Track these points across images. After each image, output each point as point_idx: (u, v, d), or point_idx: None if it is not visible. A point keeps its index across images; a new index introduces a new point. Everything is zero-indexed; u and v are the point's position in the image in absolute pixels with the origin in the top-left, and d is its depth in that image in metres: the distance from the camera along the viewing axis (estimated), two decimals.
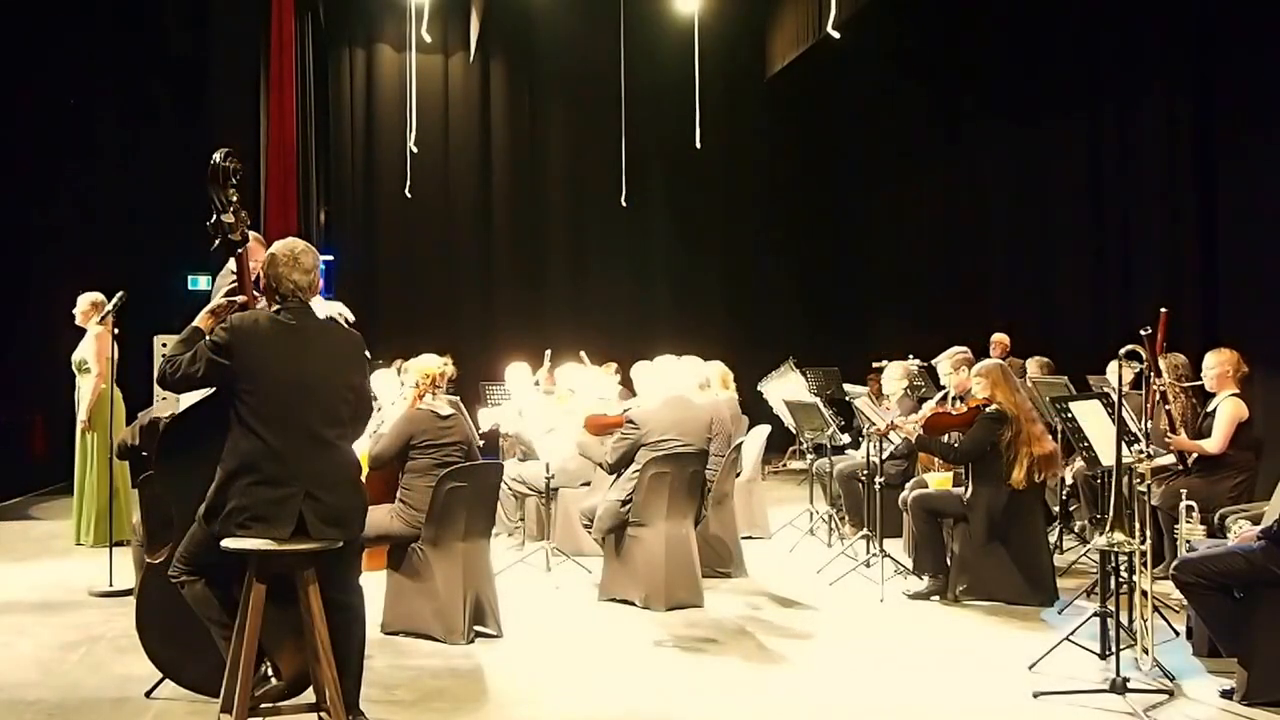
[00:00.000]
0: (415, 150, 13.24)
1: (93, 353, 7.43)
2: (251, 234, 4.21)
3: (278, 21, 11.53)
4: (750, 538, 7.99)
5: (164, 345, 7.97)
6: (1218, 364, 6.42)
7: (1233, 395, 6.36)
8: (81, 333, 7.61)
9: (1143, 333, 5.02)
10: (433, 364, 5.77)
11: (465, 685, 4.87)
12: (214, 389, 3.94)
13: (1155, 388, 6.44)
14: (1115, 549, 4.71)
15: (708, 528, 6.90)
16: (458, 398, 6.15)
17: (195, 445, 3.93)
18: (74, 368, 7.61)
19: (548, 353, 8.92)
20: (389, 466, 5.66)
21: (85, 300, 7.57)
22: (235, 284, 4.12)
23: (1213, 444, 6.31)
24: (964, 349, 7.54)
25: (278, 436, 3.75)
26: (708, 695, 4.79)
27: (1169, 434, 6.42)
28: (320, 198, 13.46)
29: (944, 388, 7.42)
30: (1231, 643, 4.75)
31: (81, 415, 7.54)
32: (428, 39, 12.55)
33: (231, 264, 4.20)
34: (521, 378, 8.33)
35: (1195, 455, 6.43)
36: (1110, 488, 4.79)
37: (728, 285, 15.05)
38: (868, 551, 7.03)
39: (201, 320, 4.00)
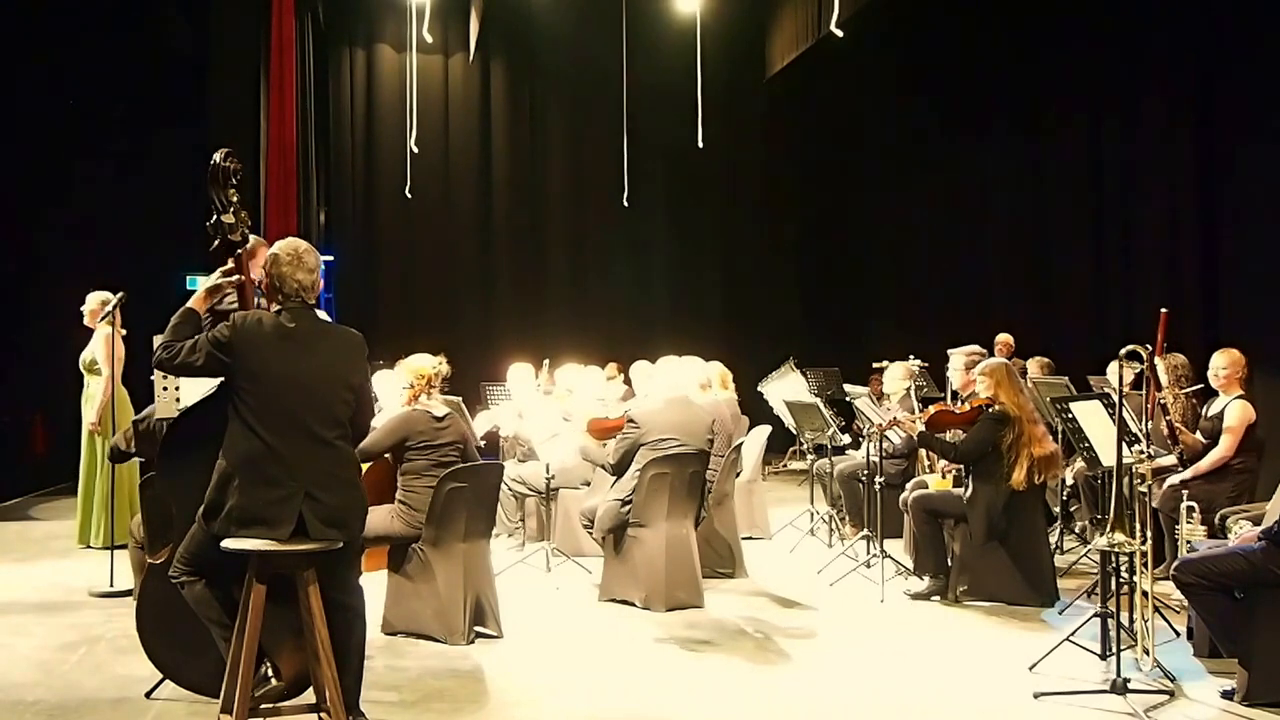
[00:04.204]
0: (415, 150, 13.23)
1: (103, 353, 7.37)
2: (254, 237, 4.19)
3: (278, 21, 11.52)
4: (750, 538, 7.99)
5: None
6: (1228, 364, 6.40)
7: (1240, 398, 6.36)
8: (85, 332, 7.58)
9: (1142, 352, 5.02)
10: (426, 364, 5.75)
11: (466, 686, 4.87)
12: (215, 388, 3.96)
13: (1156, 400, 6.43)
14: (1116, 549, 4.71)
15: (708, 528, 6.89)
16: (459, 398, 6.14)
17: (196, 445, 3.93)
18: (82, 368, 7.57)
19: (546, 362, 8.95)
20: (380, 464, 5.65)
21: (94, 300, 7.47)
22: (227, 273, 4.10)
23: (1223, 450, 6.29)
24: (979, 349, 7.54)
25: (278, 437, 3.75)
26: (708, 695, 4.79)
27: (1172, 444, 6.40)
28: (320, 198, 13.46)
29: (951, 386, 7.44)
30: (1232, 643, 4.75)
31: (93, 417, 7.47)
32: (428, 39, 12.55)
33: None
34: (523, 379, 8.33)
35: (1192, 455, 6.42)
36: (1111, 488, 4.79)
37: (728, 285, 15.06)
38: (868, 552, 7.03)
39: (195, 301, 3.99)
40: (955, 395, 7.43)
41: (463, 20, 14.02)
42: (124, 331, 7.38)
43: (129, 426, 5.77)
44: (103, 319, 7.16)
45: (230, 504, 3.72)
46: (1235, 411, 6.33)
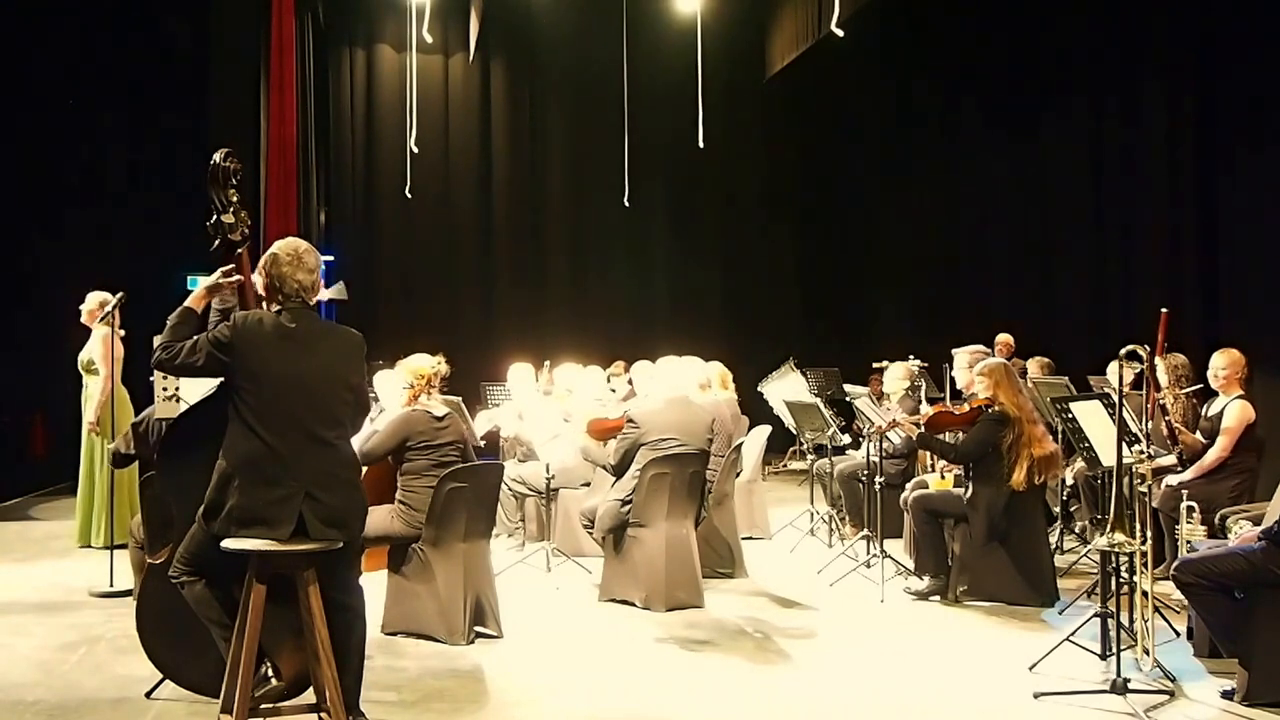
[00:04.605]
0: (415, 150, 13.23)
1: (100, 354, 7.39)
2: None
3: (278, 21, 11.53)
4: (750, 538, 7.99)
5: None
6: (1228, 365, 6.40)
7: (1240, 398, 6.36)
8: (86, 332, 7.59)
9: (1142, 352, 5.02)
10: (425, 364, 5.75)
11: (465, 686, 4.87)
12: (215, 388, 3.96)
13: (1156, 400, 6.43)
14: (1116, 550, 4.71)
15: (708, 528, 6.89)
16: (459, 398, 6.14)
17: (196, 446, 3.93)
18: (80, 368, 7.58)
19: (546, 363, 8.94)
20: (379, 464, 5.65)
21: (93, 300, 7.49)
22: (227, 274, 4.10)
23: (1218, 450, 6.29)
24: (984, 348, 7.55)
25: (278, 437, 3.75)
26: (708, 695, 4.79)
27: (1172, 444, 6.40)
28: (320, 198, 13.45)
29: (955, 386, 7.45)
30: (1232, 643, 4.75)
31: (90, 416, 7.48)
32: (428, 39, 12.54)
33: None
34: (523, 379, 8.32)
35: (1192, 455, 6.42)
36: (1111, 488, 4.79)
37: (728, 285, 15.06)
38: (868, 552, 7.03)
39: (193, 300, 3.99)
40: (960, 394, 7.43)
41: (463, 20, 14.01)
42: (123, 332, 7.38)
43: (129, 430, 5.78)
44: (102, 319, 7.17)
45: (230, 504, 3.72)
46: (1233, 412, 6.32)
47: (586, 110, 14.48)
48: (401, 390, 5.74)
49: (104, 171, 11.39)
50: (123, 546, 6.80)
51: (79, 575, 6.82)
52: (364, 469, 4.73)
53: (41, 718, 4.44)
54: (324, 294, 4.29)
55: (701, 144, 12.76)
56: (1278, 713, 4.45)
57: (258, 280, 4.01)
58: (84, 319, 7.54)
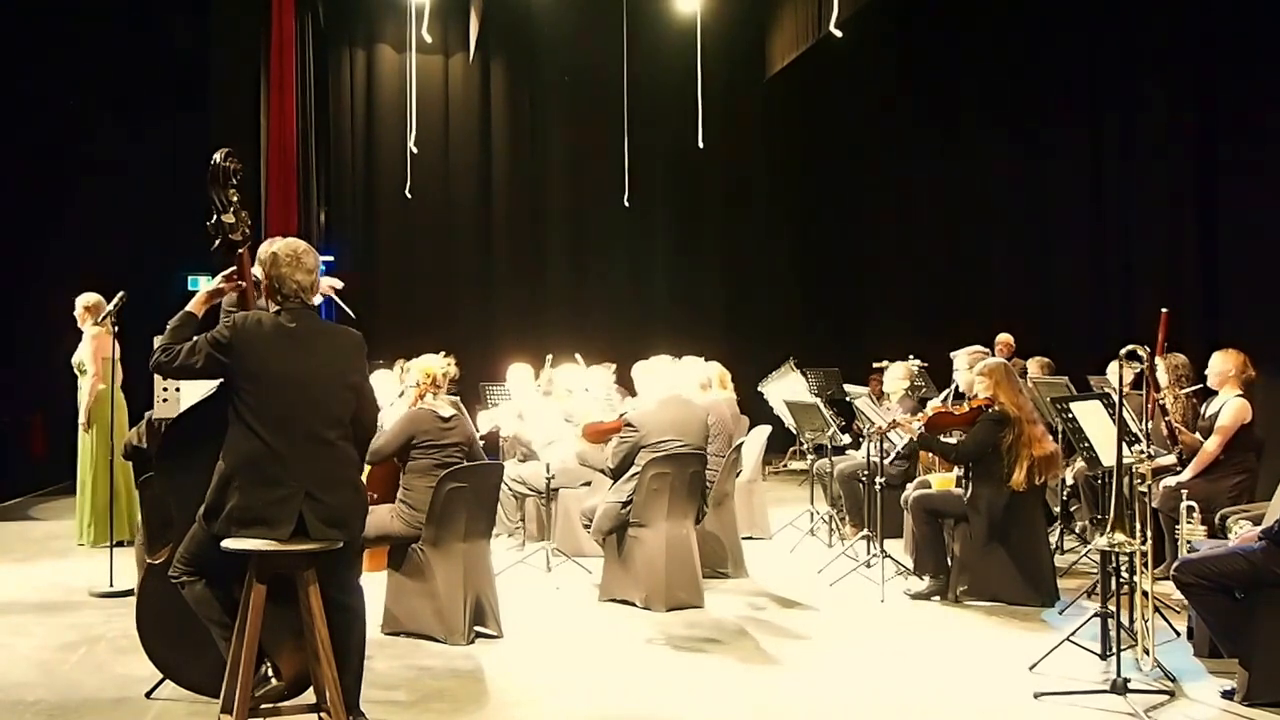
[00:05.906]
0: (415, 150, 13.23)
1: (89, 354, 7.44)
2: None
3: (278, 21, 11.53)
4: (750, 538, 7.99)
5: None
6: (1223, 364, 6.41)
7: (1238, 397, 6.35)
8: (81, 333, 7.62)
9: (1142, 352, 5.01)
10: (435, 364, 5.78)
11: (465, 686, 4.87)
12: (215, 388, 3.96)
13: (1155, 400, 6.44)
14: (1116, 549, 4.71)
15: (708, 527, 6.89)
16: (458, 398, 6.15)
17: (196, 445, 3.93)
18: (75, 369, 7.62)
19: (549, 358, 8.95)
20: (386, 463, 5.66)
21: (80, 302, 7.57)
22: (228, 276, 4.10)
23: (1210, 447, 6.30)
24: (982, 348, 7.56)
25: (278, 437, 3.75)
26: (708, 695, 4.79)
27: (1172, 444, 6.40)
28: (320, 198, 13.45)
29: (955, 385, 7.44)
30: (1232, 643, 4.75)
31: (80, 416, 7.54)
32: (428, 39, 12.54)
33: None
34: (523, 379, 8.32)
35: (1192, 455, 6.42)
36: (1111, 488, 4.79)
37: (728, 285, 15.06)
38: (868, 552, 7.03)
39: (194, 305, 3.99)
40: (961, 396, 7.43)
41: (463, 20, 14.01)
42: (115, 329, 7.39)
43: (142, 423, 5.78)
44: (101, 320, 7.18)
45: (230, 504, 3.72)
46: (1228, 410, 6.33)
47: (586, 110, 14.47)
48: (409, 389, 5.76)
49: (104, 171, 11.38)
50: (121, 545, 6.82)
51: (79, 575, 6.82)
52: (368, 468, 4.74)
53: (41, 718, 4.45)
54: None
55: (701, 144, 12.76)
56: (1278, 713, 4.45)
57: (258, 272, 4.01)
58: (77, 321, 7.59)
